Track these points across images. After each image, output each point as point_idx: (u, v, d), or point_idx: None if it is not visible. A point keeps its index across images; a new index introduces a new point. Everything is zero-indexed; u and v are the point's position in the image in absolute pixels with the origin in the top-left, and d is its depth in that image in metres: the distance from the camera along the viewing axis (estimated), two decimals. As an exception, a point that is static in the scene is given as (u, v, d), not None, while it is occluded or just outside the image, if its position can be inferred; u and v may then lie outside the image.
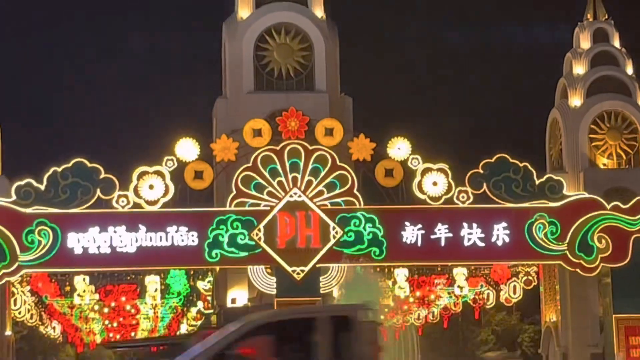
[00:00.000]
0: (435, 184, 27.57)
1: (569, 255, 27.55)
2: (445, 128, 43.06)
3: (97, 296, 33.46)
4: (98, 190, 26.65)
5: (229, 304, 30.54)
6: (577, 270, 28.19)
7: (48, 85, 76.16)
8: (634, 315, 28.08)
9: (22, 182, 26.82)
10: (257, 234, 26.59)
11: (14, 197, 26.53)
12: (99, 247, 26.71)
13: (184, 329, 36.89)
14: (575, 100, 34.39)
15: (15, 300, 31.70)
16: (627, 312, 27.97)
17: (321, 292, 27.77)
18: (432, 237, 27.75)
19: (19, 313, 33.04)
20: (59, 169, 26.66)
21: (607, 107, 33.42)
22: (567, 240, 27.46)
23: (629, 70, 33.69)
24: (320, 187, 27.29)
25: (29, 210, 26.40)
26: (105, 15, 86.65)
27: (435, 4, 63.69)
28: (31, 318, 35.48)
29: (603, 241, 27.55)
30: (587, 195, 29.27)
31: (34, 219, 26.24)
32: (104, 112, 74.21)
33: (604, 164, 34.01)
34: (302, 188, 27.15)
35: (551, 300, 33.62)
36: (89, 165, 26.93)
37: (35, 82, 74.44)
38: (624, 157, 34.08)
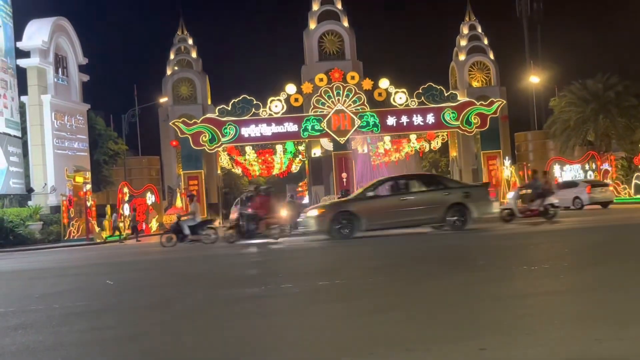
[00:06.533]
0: (400, 98, 47.40)
1: (461, 127, 47.24)
2: (406, 70, 68.56)
3: (255, 155, 49.18)
4: (252, 109, 46.87)
5: (312, 155, 51.32)
6: (465, 132, 47.88)
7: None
8: (490, 151, 48.26)
9: (221, 106, 47.36)
10: (324, 124, 46.12)
11: (217, 114, 47.19)
12: (255, 134, 46.93)
13: (293, 167, 55.42)
14: (462, 57, 54.60)
15: (220, 158, 51.19)
16: (487, 149, 48.39)
17: (352, 148, 47.38)
18: (400, 121, 46.85)
19: (222, 163, 52.12)
20: (236, 100, 47.12)
21: (475, 59, 53.68)
22: (459, 120, 46.99)
23: (485, 41, 54.46)
24: (349, 102, 46.42)
25: (224, 119, 46.26)
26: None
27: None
28: (227, 165, 52.65)
29: (476, 119, 47.13)
30: (468, 99, 48.86)
31: (226, 122, 46.22)
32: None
33: (476, 85, 54.19)
34: (342, 103, 46.39)
35: (454, 146, 51.44)
36: (249, 98, 47.22)
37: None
38: (485, 81, 54.01)
